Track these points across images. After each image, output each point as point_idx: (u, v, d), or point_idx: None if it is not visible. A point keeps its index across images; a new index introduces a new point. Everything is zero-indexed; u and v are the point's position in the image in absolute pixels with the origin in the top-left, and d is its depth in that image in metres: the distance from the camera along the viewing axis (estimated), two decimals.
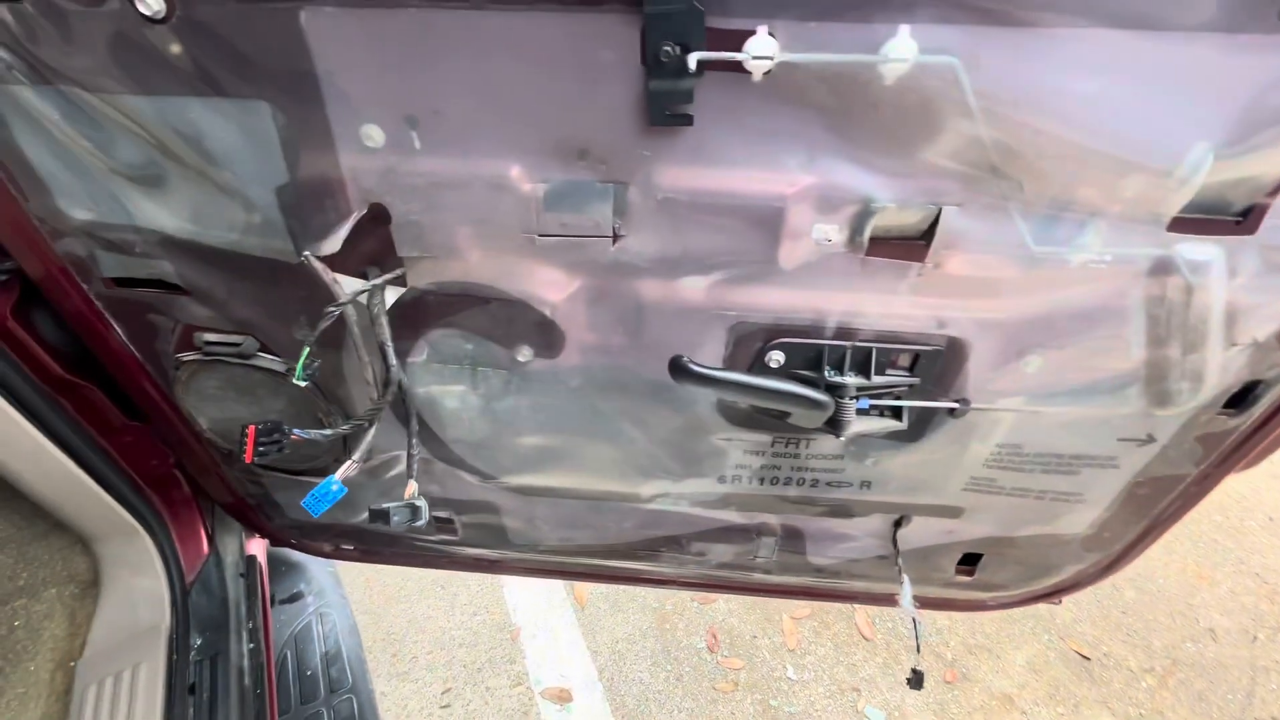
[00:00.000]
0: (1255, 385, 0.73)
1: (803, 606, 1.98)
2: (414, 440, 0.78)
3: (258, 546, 1.35)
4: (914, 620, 1.06)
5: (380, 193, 0.64)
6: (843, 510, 0.97)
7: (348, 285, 0.67)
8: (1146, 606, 2.06)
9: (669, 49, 0.53)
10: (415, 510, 0.66)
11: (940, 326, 0.71)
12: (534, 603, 1.99)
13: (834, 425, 0.76)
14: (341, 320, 0.68)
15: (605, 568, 1.14)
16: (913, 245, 0.64)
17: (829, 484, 0.92)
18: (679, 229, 0.65)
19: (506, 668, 1.86)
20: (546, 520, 1.06)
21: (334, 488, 0.66)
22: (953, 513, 0.95)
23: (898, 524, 0.99)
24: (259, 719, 1.11)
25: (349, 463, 0.68)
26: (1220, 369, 0.71)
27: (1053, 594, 1.09)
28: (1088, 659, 1.93)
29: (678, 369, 0.70)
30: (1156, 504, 0.88)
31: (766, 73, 0.54)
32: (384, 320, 0.68)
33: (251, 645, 1.18)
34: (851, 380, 0.74)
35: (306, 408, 0.84)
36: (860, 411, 0.78)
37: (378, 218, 0.66)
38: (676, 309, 0.72)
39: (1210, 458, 0.80)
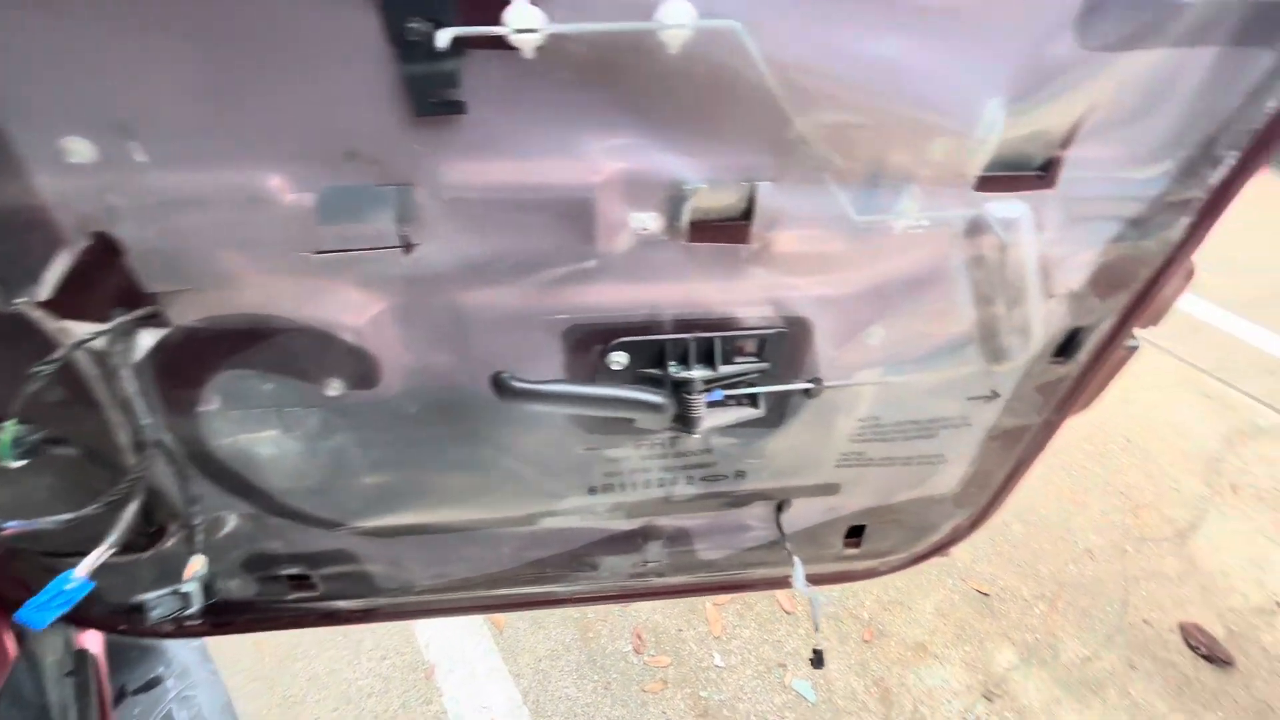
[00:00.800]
0: (1078, 333, 0.75)
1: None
2: (194, 508, 0.67)
3: (93, 638, 1.16)
4: (811, 599, 1.05)
5: (102, 218, 0.52)
6: (723, 503, 0.94)
7: (79, 333, 0.55)
8: (1032, 537, 2.22)
9: (416, 25, 0.46)
10: (184, 598, 0.56)
11: (780, 308, 0.69)
12: (447, 636, 1.87)
13: (685, 423, 0.72)
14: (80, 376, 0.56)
15: (493, 598, 1.07)
16: (734, 227, 0.61)
17: (704, 479, 0.89)
18: (479, 231, 0.58)
19: (423, 709, 1.74)
20: (414, 560, 0.96)
21: (70, 585, 0.54)
22: (830, 490, 0.95)
23: (780, 508, 0.98)
24: None
25: (97, 552, 0.56)
26: (1044, 321, 0.73)
27: (936, 550, 1.12)
28: (987, 595, 2.05)
29: (499, 386, 0.64)
30: (1011, 454, 0.91)
31: (540, 48, 0.47)
32: (125, 372, 0.56)
33: None
34: (697, 374, 0.70)
35: (81, 481, 0.70)
36: (715, 403, 0.75)
37: (107, 248, 0.54)
38: (500, 318, 0.65)
39: (1050, 405, 0.83)
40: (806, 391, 0.76)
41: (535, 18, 0.46)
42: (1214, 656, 1.90)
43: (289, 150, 0.51)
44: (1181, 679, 1.87)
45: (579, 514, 0.91)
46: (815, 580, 1.15)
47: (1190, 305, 3.28)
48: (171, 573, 0.88)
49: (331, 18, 0.45)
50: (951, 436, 0.87)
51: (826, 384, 0.76)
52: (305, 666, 1.81)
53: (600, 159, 0.55)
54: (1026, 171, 0.60)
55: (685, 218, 0.59)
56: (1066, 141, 0.58)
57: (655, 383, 0.71)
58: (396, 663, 1.83)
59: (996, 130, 0.57)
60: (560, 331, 0.67)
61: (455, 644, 1.85)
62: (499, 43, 0.46)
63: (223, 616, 1.04)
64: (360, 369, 0.66)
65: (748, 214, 0.60)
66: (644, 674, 1.82)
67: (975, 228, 0.63)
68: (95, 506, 0.57)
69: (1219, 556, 2.17)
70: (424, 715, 1.73)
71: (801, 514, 1.00)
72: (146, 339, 0.59)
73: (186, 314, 0.60)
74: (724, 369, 0.72)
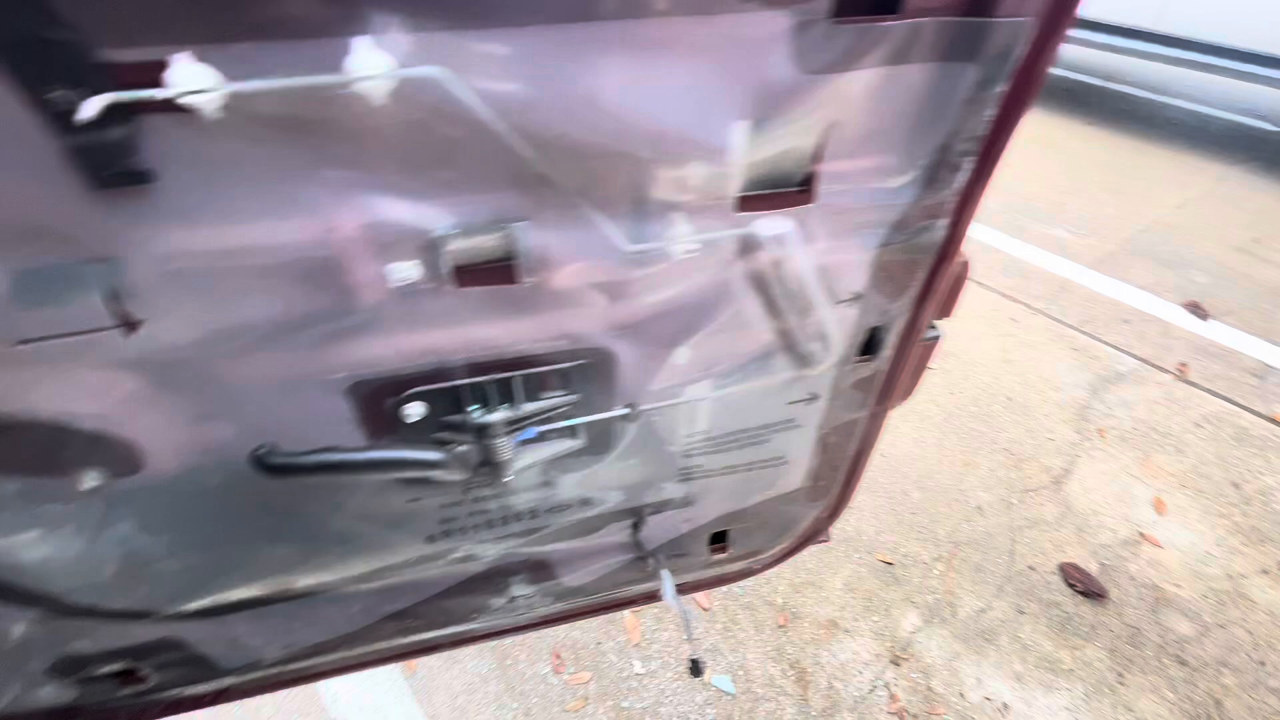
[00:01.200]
0: (876, 332, 0.79)
1: None
2: None
3: None
4: (681, 612, 1.06)
5: None
6: (577, 531, 0.93)
7: None
8: (930, 501, 2.35)
9: (58, 97, 0.41)
10: None
11: (576, 340, 0.68)
12: (354, 685, 1.78)
13: (493, 467, 0.70)
14: None
15: (356, 656, 1.02)
16: (500, 269, 0.59)
17: (549, 510, 0.88)
18: (217, 300, 0.54)
19: None
20: (254, 634, 0.90)
21: None
22: (681, 503, 0.96)
23: (635, 527, 0.98)
24: None
25: None
26: (839, 324, 0.75)
27: (804, 543, 1.15)
28: (891, 564, 2.15)
29: (259, 464, 0.60)
30: (847, 446, 0.94)
31: (227, 108, 0.44)
32: None
33: None
34: (497, 417, 0.69)
35: None
36: (529, 441, 0.73)
37: None
38: (270, 384, 0.61)
39: (869, 399, 0.87)
40: (624, 417, 0.76)
41: (205, 77, 0.42)
42: (1090, 592, 2.07)
43: None
44: (1064, 617, 2.02)
45: (425, 563, 0.88)
46: (693, 587, 1.16)
47: (1058, 267, 3.56)
48: None
49: None
50: (785, 439, 0.89)
51: (642, 408, 0.76)
52: None
53: (331, 214, 0.52)
54: (786, 189, 0.62)
55: (447, 265, 0.57)
56: (817, 158, 0.60)
57: (459, 429, 0.69)
58: None
59: (749, 152, 0.58)
60: (344, 389, 0.63)
61: (364, 694, 1.77)
62: (172, 106, 0.42)
63: None
64: (117, 456, 0.61)
65: (511, 255, 0.58)
66: (565, 694, 1.80)
67: (747, 246, 0.64)
68: None
69: (1090, 497, 2.37)
70: None
71: (661, 528, 1.00)
72: None
73: None
74: (530, 406, 0.71)
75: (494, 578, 0.97)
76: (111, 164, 0.45)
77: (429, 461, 0.65)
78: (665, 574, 1.04)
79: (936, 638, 1.96)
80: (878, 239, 0.68)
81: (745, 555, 1.12)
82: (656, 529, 0.99)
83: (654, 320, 0.69)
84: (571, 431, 0.76)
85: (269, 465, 0.59)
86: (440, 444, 0.69)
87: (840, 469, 0.99)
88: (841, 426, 0.91)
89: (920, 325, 0.78)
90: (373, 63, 0.44)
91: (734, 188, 0.60)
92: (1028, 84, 0.58)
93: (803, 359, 0.78)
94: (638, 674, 1.85)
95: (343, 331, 0.59)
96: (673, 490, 0.92)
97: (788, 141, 0.59)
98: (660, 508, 0.95)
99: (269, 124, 0.46)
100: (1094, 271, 3.53)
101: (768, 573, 1.96)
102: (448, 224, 0.55)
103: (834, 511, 1.08)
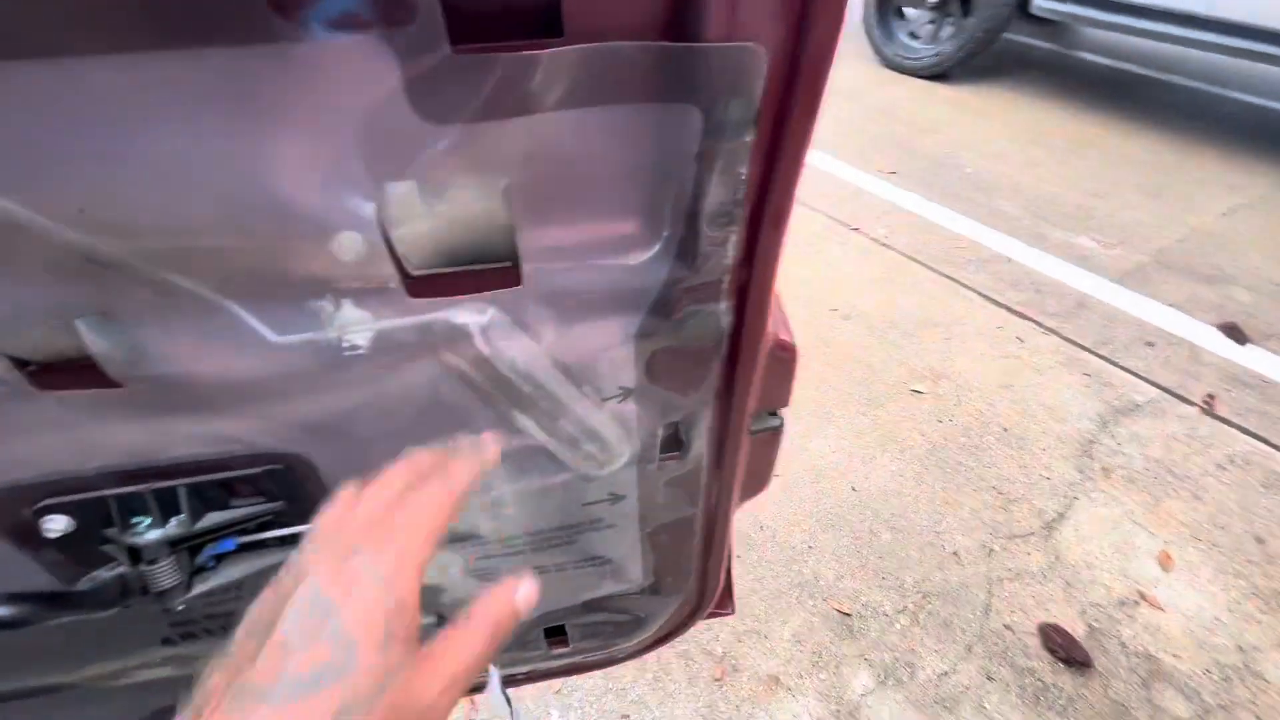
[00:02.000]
0: (678, 427, 0.62)
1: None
2: None
3: None
4: (512, 709, 0.93)
5: None
6: None
7: None
8: (900, 545, 2.14)
9: None
10: None
11: (248, 445, 0.54)
12: None
13: (155, 596, 0.57)
14: None
15: None
16: (88, 370, 0.45)
17: None
18: None
19: None
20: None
21: None
22: None
23: (441, 621, 0.84)
24: None
25: None
26: (615, 423, 0.59)
27: (673, 633, 1.00)
28: (848, 615, 1.96)
29: None
30: (687, 543, 0.78)
31: None
32: None
33: None
34: (156, 536, 0.55)
35: None
36: (226, 554, 0.60)
37: None
38: None
39: (697, 496, 0.70)
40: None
41: None
42: (1071, 659, 1.84)
43: None
44: (1039, 686, 1.81)
45: (172, 664, 0.76)
46: (542, 675, 1.02)
47: (1078, 280, 3.25)
48: None
49: None
50: (597, 539, 0.74)
51: None
52: None
53: None
54: (478, 266, 0.46)
55: (17, 366, 0.44)
56: (509, 230, 0.44)
57: (118, 546, 0.56)
58: None
59: (412, 221, 0.42)
60: None
61: None
62: None
63: None
64: None
65: (93, 355, 0.44)
66: None
67: (443, 339, 0.49)
68: None
69: (1084, 547, 2.13)
70: None
71: None
72: None
73: None
74: (218, 517, 0.57)
75: None
76: None
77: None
78: (492, 669, 0.90)
79: (890, 702, 1.77)
80: (634, 328, 0.52)
81: (596, 647, 0.98)
82: None
83: (350, 423, 0.54)
84: (292, 540, 0.63)
85: None
86: (91, 569, 0.57)
87: (686, 565, 0.83)
88: (673, 525, 0.75)
89: (736, 420, 0.62)
90: None
91: (400, 267, 0.44)
92: (791, 128, 0.41)
93: (581, 459, 0.62)
94: None
95: None
96: (464, 591, 0.78)
97: (460, 208, 0.43)
98: (458, 605, 0.81)
99: None
100: (1118, 286, 3.21)
101: (711, 621, 1.79)
102: None
103: (697, 604, 0.93)
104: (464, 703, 1.78)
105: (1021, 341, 2.92)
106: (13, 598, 0.56)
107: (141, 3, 0.31)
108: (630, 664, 1.86)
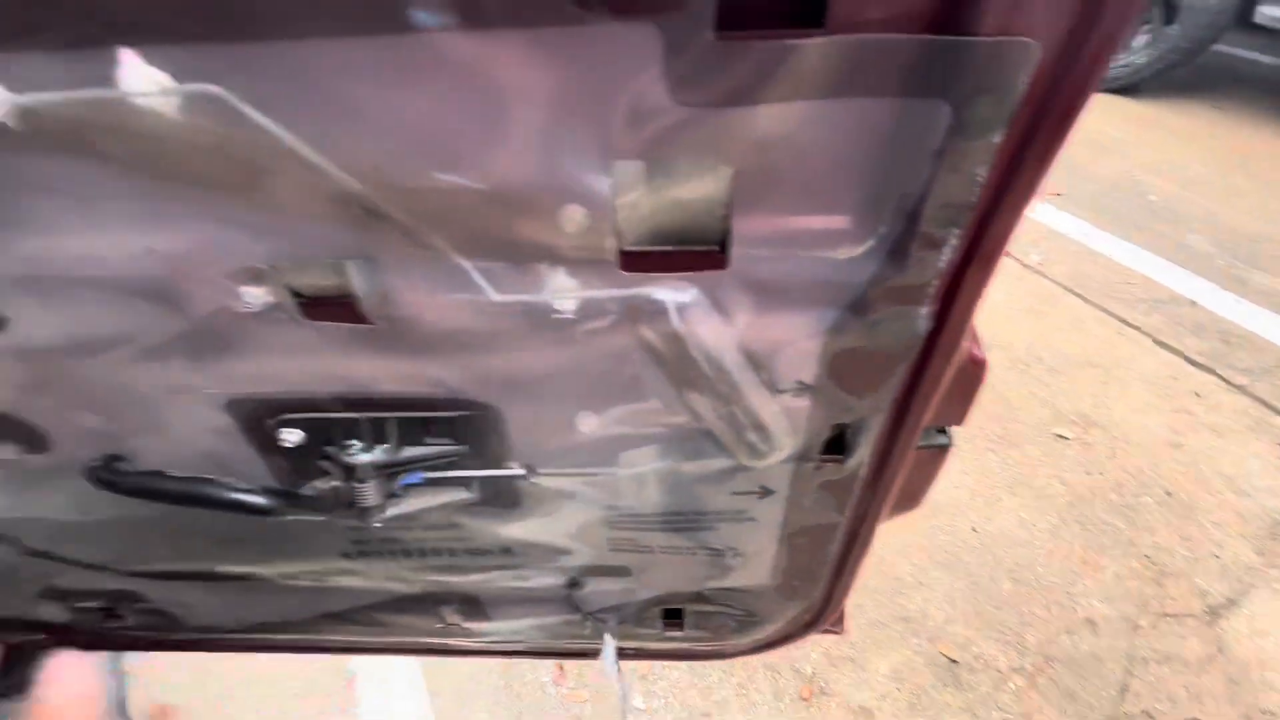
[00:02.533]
0: (845, 430, 0.61)
1: None
2: None
3: None
4: (620, 685, 0.96)
5: None
6: (503, 575, 0.86)
7: None
8: (1024, 599, 1.96)
9: None
10: None
11: (452, 390, 0.60)
12: None
13: (359, 511, 0.65)
14: None
15: (304, 640, 1.04)
16: (345, 305, 0.52)
17: (467, 551, 0.82)
18: (65, 309, 0.53)
19: (338, 719, 1.77)
20: (203, 604, 0.95)
21: None
22: (620, 572, 0.85)
23: (572, 585, 0.88)
24: None
25: None
26: (785, 417, 0.59)
27: (785, 639, 0.98)
28: (955, 662, 1.83)
29: (92, 477, 0.59)
30: (825, 550, 0.77)
31: (24, 120, 0.42)
32: None
33: None
34: (367, 459, 0.63)
35: None
36: (414, 485, 0.67)
37: None
38: (153, 390, 0.61)
39: (847, 504, 0.69)
40: (521, 477, 0.67)
41: None
42: None
43: None
44: None
45: (345, 576, 0.86)
46: (648, 655, 1.05)
47: (1277, 334, 2.79)
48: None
49: None
50: (735, 531, 0.75)
51: (542, 471, 0.67)
52: (245, 662, 1.88)
53: (151, 235, 0.48)
54: (690, 248, 0.48)
55: (290, 295, 0.52)
56: (725, 214, 0.46)
57: (335, 463, 0.65)
58: (323, 667, 1.87)
59: (634, 198, 0.45)
60: (223, 404, 0.62)
61: (381, 659, 1.87)
62: None
63: (58, 635, 1.08)
64: (23, 435, 0.64)
65: (353, 293, 0.51)
66: (560, 709, 1.76)
67: (641, 313, 0.51)
68: None
69: (1258, 643, 1.83)
70: None
71: (602, 593, 0.90)
72: None
73: None
74: (411, 452, 0.64)
75: (426, 602, 0.94)
76: None
77: (251, 506, 0.62)
78: (608, 639, 0.94)
79: None
80: (827, 322, 0.52)
81: (707, 638, 0.98)
82: (596, 593, 0.90)
83: (543, 381, 0.59)
84: (466, 483, 0.69)
85: (98, 479, 0.59)
86: (312, 479, 0.66)
87: (817, 573, 0.82)
88: (814, 530, 0.74)
89: (908, 430, 0.60)
90: (145, 78, 0.39)
91: (614, 241, 0.47)
92: (1043, 132, 0.39)
93: (741, 448, 0.63)
94: (637, 708, 1.75)
95: (203, 349, 0.57)
96: (604, 557, 0.81)
97: (684, 190, 0.45)
98: (592, 572, 0.85)
99: (72, 139, 0.43)
100: None
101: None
102: (269, 254, 0.49)
103: (819, 614, 0.91)
104: (553, 669, 1.87)
105: (1199, 397, 2.55)
106: (267, 490, 0.66)
107: None
108: (717, 666, 1.85)
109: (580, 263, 0.50)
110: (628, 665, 1.72)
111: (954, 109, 0.39)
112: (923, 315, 0.50)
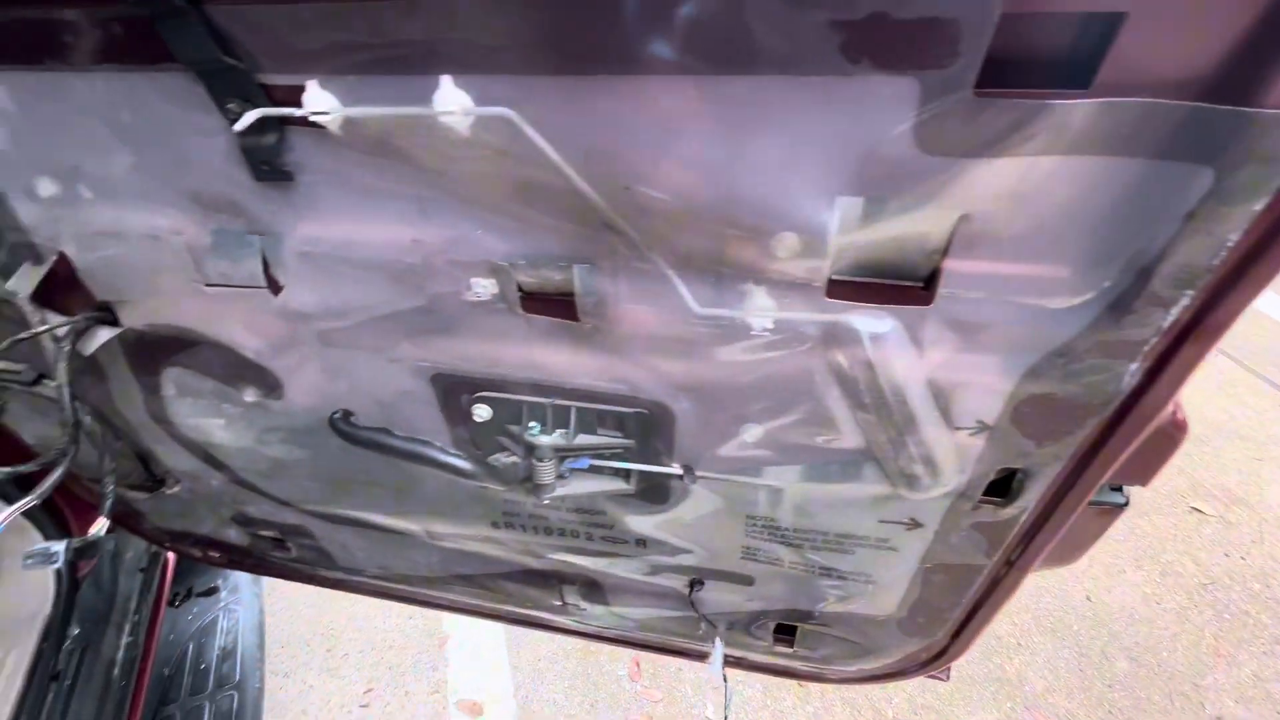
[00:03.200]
0: (1015, 475, 0.61)
1: None
2: (108, 478, 0.81)
3: None
4: (725, 690, 0.98)
5: (58, 240, 0.66)
6: (633, 566, 0.91)
7: (53, 321, 0.70)
8: (1142, 683, 1.79)
9: (232, 107, 0.51)
10: (48, 556, 0.68)
11: (635, 389, 0.65)
12: None
13: (535, 487, 0.71)
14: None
15: (433, 596, 1.14)
16: (562, 303, 0.59)
17: (604, 538, 0.87)
18: (328, 282, 0.63)
19: (429, 674, 1.90)
20: (358, 548, 1.06)
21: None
22: (743, 580, 0.88)
23: (694, 585, 0.91)
24: (120, 709, 1.19)
25: (12, 508, 0.70)
26: (955, 454, 0.60)
27: (893, 674, 0.97)
28: None
29: (333, 425, 0.68)
30: (961, 592, 0.76)
31: (345, 127, 0.51)
32: (64, 364, 0.70)
33: (130, 639, 1.26)
34: (546, 440, 0.69)
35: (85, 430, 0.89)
36: (579, 471, 0.73)
37: (67, 264, 0.68)
38: (375, 358, 0.70)
39: (997, 549, 0.68)
40: (680, 477, 0.71)
41: (327, 101, 0.49)
42: None
43: (173, 199, 0.60)
44: None
45: (486, 543, 0.94)
46: (750, 666, 1.07)
47: None
48: (190, 513, 1.08)
49: (183, 101, 0.52)
50: (872, 557, 0.76)
51: (699, 474, 0.70)
52: (347, 606, 2.06)
53: (418, 228, 0.56)
54: (896, 282, 0.50)
55: (515, 290, 0.59)
56: (942, 253, 0.48)
57: (516, 440, 0.72)
58: (418, 624, 2.02)
59: (846, 233, 0.48)
60: (429, 377, 0.70)
61: (471, 622, 1.99)
62: (306, 123, 0.50)
63: (234, 556, 1.24)
64: (266, 382, 0.75)
65: (572, 293, 0.57)
66: (632, 703, 1.80)
67: (833, 337, 0.54)
68: (28, 466, 0.72)
69: None
70: (429, 679, 1.89)
71: (719, 598, 0.93)
72: (103, 335, 0.73)
73: (133, 319, 0.73)
74: (582, 439, 0.70)
75: (550, 579, 1.00)
76: (266, 163, 0.54)
77: (458, 468, 0.69)
78: (718, 643, 0.97)
79: None
80: (1024, 366, 0.52)
81: (814, 659, 0.99)
82: (714, 597, 0.92)
83: (720, 390, 0.62)
84: (625, 475, 0.74)
85: (337, 428, 0.68)
86: (492, 452, 0.73)
87: (946, 613, 0.81)
88: (955, 569, 0.74)
89: (1085, 484, 0.59)
90: (454, 99, 0.47)
91: (827, 269, 0.50)
92: None
93: (903, 479, 0.64)
94: (707, 718, 1.77)
95: (427, 327, 0.65)
96: (732, 564, 0.84)
97: (903, 228, 0.48)
98: (717, 576, 0.88)
99: (378, 145, 0.51)
100: None
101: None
102: (509, 253, 0.56)
103: (938, 654, 0.89)
104: (628, 664, 1.91)
105: None
106: (470, 457, 0.74)
107: (739, 33, 0.40)
108: (793, 689, 1.83)
109: (782, 285, 0.53)
110: (688, 679, 1.74)
111: (1217, 174, 0.39)
112: (1130, 371, 0.49)
